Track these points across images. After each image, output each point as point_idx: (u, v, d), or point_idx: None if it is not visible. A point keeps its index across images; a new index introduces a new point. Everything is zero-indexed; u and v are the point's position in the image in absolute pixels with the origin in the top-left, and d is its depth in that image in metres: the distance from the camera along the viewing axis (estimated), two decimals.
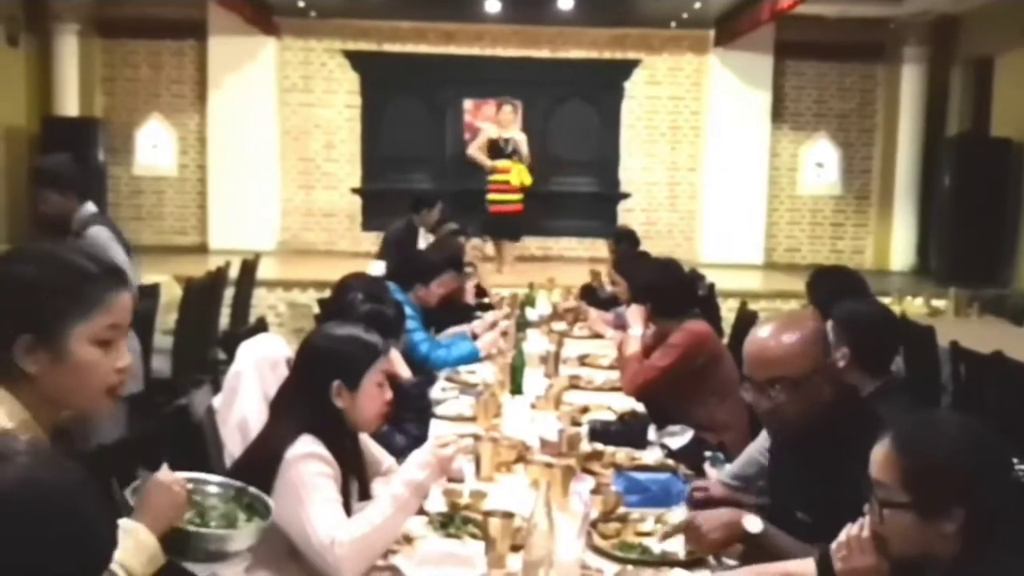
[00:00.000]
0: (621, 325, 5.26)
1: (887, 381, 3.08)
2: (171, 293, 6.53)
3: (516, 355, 4.26)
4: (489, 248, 9.81)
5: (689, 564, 2.36)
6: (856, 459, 1.85)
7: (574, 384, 4.36)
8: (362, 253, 10.06)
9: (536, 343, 4.97)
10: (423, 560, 2.37)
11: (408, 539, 2.45)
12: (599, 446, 3.30)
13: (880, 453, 1.79)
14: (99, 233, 4.37)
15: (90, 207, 4.54)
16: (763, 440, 2.87)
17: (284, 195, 11.68)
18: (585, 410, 3.80)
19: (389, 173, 11.28)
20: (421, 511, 2.53)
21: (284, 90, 11.58)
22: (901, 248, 11.43)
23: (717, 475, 3.15)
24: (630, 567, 2.33)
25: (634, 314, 4.52)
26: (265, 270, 8.53)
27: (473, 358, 4.79)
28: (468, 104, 11.70)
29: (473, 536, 2.47)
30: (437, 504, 2.68)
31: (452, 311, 5.53)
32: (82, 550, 1.14)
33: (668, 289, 4.43)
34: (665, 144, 11.88)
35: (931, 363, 5.05)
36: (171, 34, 11.46)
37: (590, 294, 7.03)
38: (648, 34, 11.59)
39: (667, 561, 2.38)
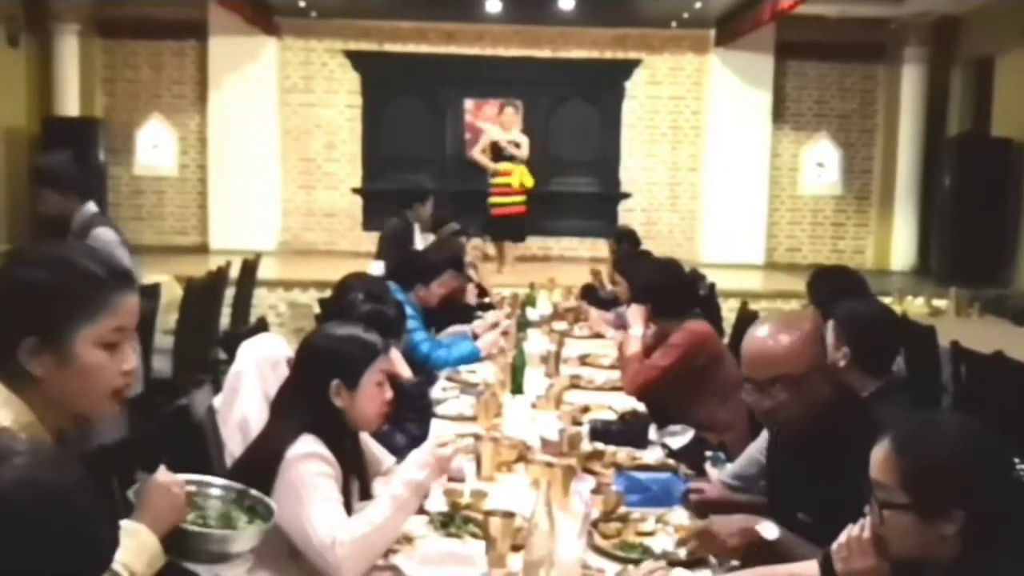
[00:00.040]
0: (622, 325, 5.26)
1: (888, 381, 3.08)
2: (172, 293, 6.54)
3: (517, 355, 4.26)
4: (490, 248, 9.81)
5: (690, 564, 2.36)
6: (856, 460, 1.85)
7: (575, 384, 4.36)
8: (363, 253, 10.04)
9: (537, 343, 4.97)
10: (424, 560, 2.37)
11: (409, 539, 2.45)
12: (600, 446, 3.30)
13: (880, 454, 1.79)
14: (104, 234, 4.33)
15: (91, 207, 4.51)
16: (764, 440, 2.87)
17: (285, 195, 11.69)
18: (586, 410, 3.80)
19: (390, 173, 11.28)
20: (422, 511, 2.53)
21: (285, 90, 11.59)
22: (902, 248, 11.43)
23: (718, 475, 3.15)
24: (631, 567, 2.32)
25: (635, 314, 4.52)
26: (266, 270, 8.54)
27: (474, 358, 4.78)
28: (469, 104, 11.71)
29: (474, 536, 2.47)
30: (438, 504, 2.68)
31: (453, 311, 5.53)
32: (81, 550, 1.14)
33: (669, 289, 4.43)
34: (666, 144, 11.88)
35: (932, 363, 5.05)
36: (172, 34, 11.47)
37: (591, 294, 7.03)
38: (649, 34, 11.59)
39: (668, 561, 2.37)
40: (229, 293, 7.27)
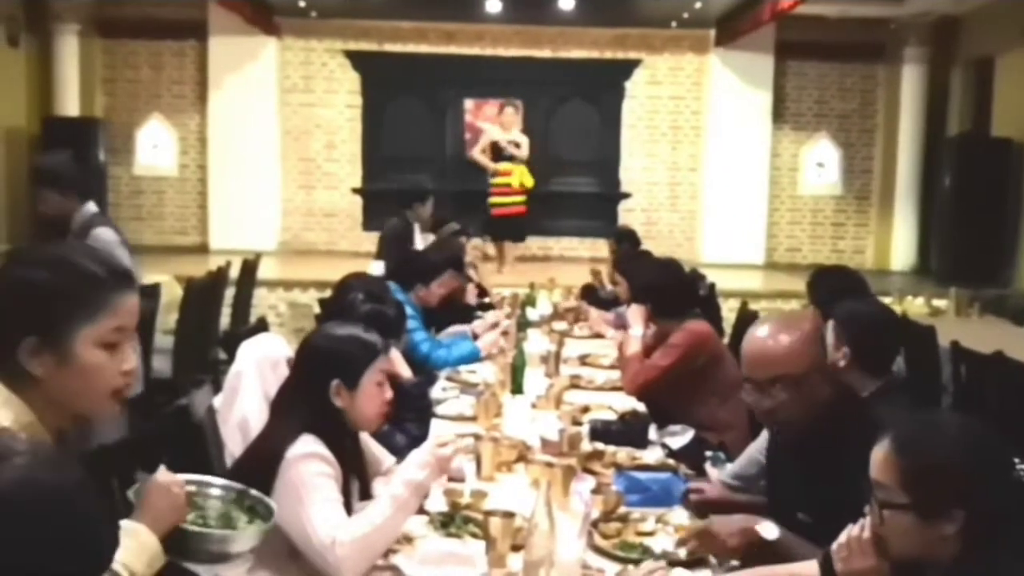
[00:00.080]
0: (622, 325, 5.26)
1: (888, 381, 3.08)
2: (172, 293, 6.54)
3: (517, 355, 4.26)
4: (490, 248, 9.81)
5: (690, 564, 2.36)
6: (856, 460, 1.85)
7: (575, 384, 4.36)
8: (363, 253, 10.04)
9: (537, 343, 4.97)
10: (424, 560, 2.37)
11: (409, 539, 2.45)
12: (600, 446, 3.30)
13: (880, 454, 1.79)
14: (105, 234, 4.32)
15: (91, 207, 4.50)
16: (764, 440, 2.87)
17: (285, 195, 11.69)
18: (586, 410, 3.80)
19: (390, 173, 11.28)
20: (422, 510, 2.53)
21: (285, 90, 11.59)
22: (902, 248, 11.43)
23: (718, 475, 3.15)
24: (631, 567, 2.32)
25: (635, 314, 4.52)
26: (266, 270, 8.54)
27: (474, 358, 4.78)
28: (469, 104, 11.71)
29: (474, 536, 2.47)
30: (438, 504, 2.68)
31: (453, 311, 5.53)
32: (81, 550, 1.13)
33: (669, 289, 4.44)
34: (666, 144, 11.88)
35: (932, 363, 5.05)
36: (172, 34, 11.47)
37: (591, 294, 7.03)
38: (649, 34, 11.59)
39: (668, 561, 2.37)
40: (229, 293, 7.27)
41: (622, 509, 2.68)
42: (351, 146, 11.73)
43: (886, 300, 5.20)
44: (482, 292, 6.92)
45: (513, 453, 3.14)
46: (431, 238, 7.25)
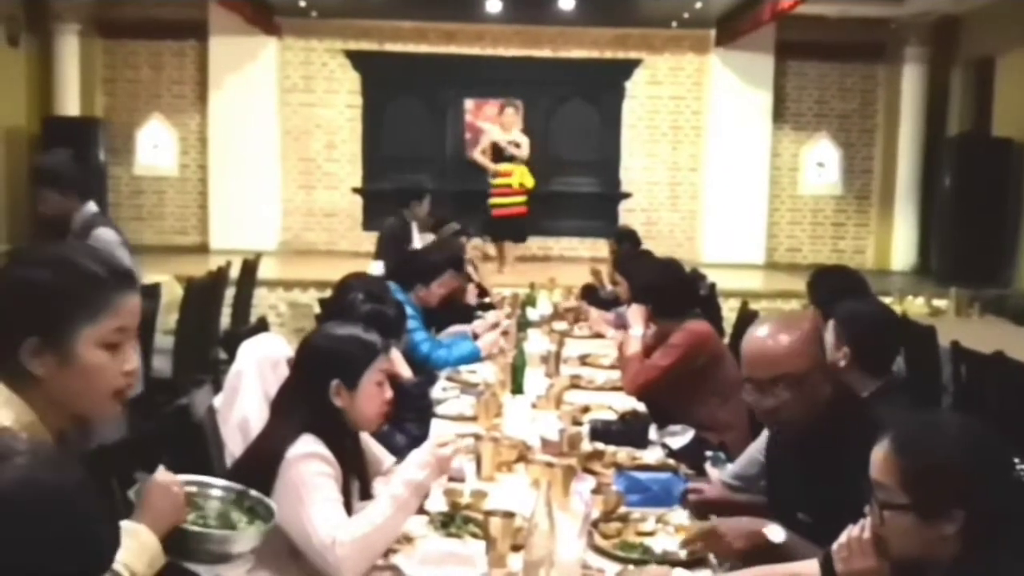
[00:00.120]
0: (622, 325, 5.26)
1: (888, 381, 3.08)
2: (172, 293, 6.54)
3: (517, 355, 4.26)
4: (490, 248, 9.81)
5: (690, 564, 2.36)
6: (856, 460, 1.85)
7: (575, 384, 4.35)
8: (363, 253, 10.03)
9: (537, 343, 4.97)
10: (424, 559, 2.37)
11: (409, 538, 2.45)
12: (600, 446, 3.30)
13: (880, 454, 1.79)
14: (105, 234, 4.31)
15: (91, 207, 4.49)
16: (764, 440, 2.87)
17: (285, 195, 11.69)
18: (586, 410, 3.79)
19: (390, 173, 11.27)
20: (422, 510, 2.53)
21: (285, 90, 11.59)
22: (902, 248, 11.43)
23: (718, 475, 3.15)
24: (631, 567, 2.32)
25: (635, 314, 4.52)
26: (266, 270, 8.54)
27: (474, 358, 4.78)
28: (469, 104, 11.71)
29: (474, 536, 2.47)
30: (438, 503, 2.68)
31: (453, 311, 5.53)
32: (82, 550, 1.13)
33: (669, 289, 4.43)
34: (666, 144, 11.88)
35: (932, 363, 5.05)
36: (172, 34, 11.47)
37: (591, 294, 7.03)
38: (649, 34, 11.59)
39: (668, 561, 2.37)
40: (229, 293, 7.28)
41: (622, 509, 2.68)
42: (351, 146, 11.73)
43: (886, 300, 5.20)
44: (482, 292, 6.92)
45: (513, 453, 3.14)
46: (429, 237, 7.25)
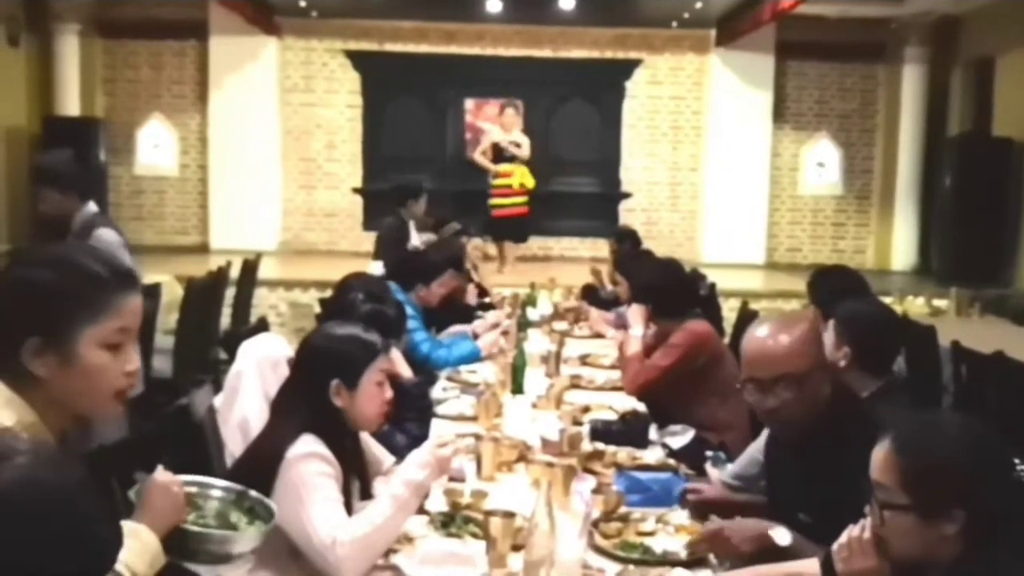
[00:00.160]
0: (622, 325, 5.26)
1: (888, 381, 3.08)
2: (172, 293, 6.54)
3: (517, 355, 4.26)
4: (490, 248, 9.82)
5: (690, 564, 2.36)
6: (856, 460, 1.85)
7: (575, 384, 4.35)
8: (363, 253, 10.02)
9: (537, 343, 4.97)
10: (424, 559, 2.37)
11: (409, 538, 2.45)
12: (600, 446, 3.30)
13: (880, 454, 1.79)
14: (107, 235, 4.29)
15: (91, 207, 4.48)
16: (764, 440, 2.87)
17: (285, 195, 11.69)
18: (586, 409, 3.79)
19: (390, 173, 11.24)
20: (422, 510, 2.53)
21: (285, 90, 11.59)
22: (902, 248, 11.43)
23: (718, 475, 3.15)
24: (631, 567, 2.33)
25: (635, 314, 4.52)
26: (266, 270, 8.54)
27: (474, 358, 4.78)
28: (469, 104, 11.71)
29: (474, 536, 2.47)
30: (438, 503, 2.68)
31: (453, 311, 5.53)
32: (83, 550, 1.13)
33: (669, 289, 4.43)
34: (666, 144, 11.88)
35: (932, 363, 5.05)
36: (172, 34, 11.47)
37: (592, 294, 7.03)
38: (649, 34, 11.59)
39: (668, 561, 2.38)
40: (230, 293, 7.28)
41: (623, 509, 2.68)
42: (351, 146, 11.74)
43: (887, 300, 5.20)
44: (482, 292, 6.92)
45: (514, 453, 3.14)
46: (427, 235, 7.27)
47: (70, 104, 10.67)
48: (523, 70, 11.49)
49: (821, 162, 11.96)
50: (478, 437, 3.24)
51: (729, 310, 7.08)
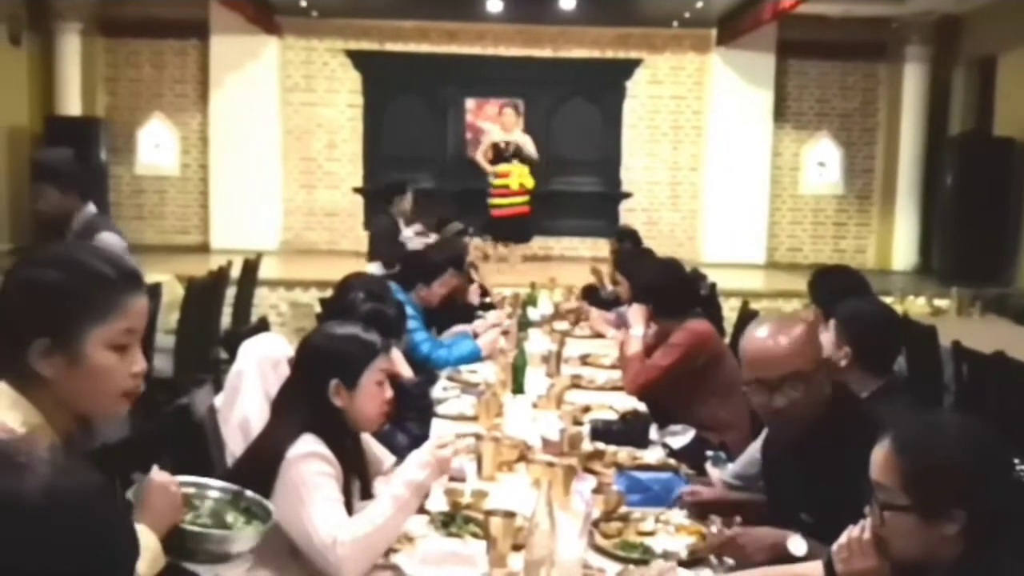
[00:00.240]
0: (623, 325, 5.26)
1: (889, 381, 3.07)
2: (173, 292, 6.53)
3: (518, 354, 4.26)
4: (490, 248, 9.83)
5: (690, 564, 2.36)
6: (856, 460, 1.85)
7: (576, 383, 4.36)
8: (364, 253, 10.02)
9: (538, 342, 4.97)
10: (424, 559, 2.37)
11: (409, 538, 2.45)
12: (601, 445, 3.30)
13: (880, 455, 1.78)
14: (110, 239, 4.24)
15: (91, 208, 4.45)
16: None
17: (286, 194, 11.70)
18: (587, 409, 3.80)
19: (391, 172, 11.19)
20: (422, 510, 2.53)
21: (286, 89, 11.59)
22: (903, 248, 11.43)
23: (719, 475, 3.15)
24: (632, 566, 2.33)
25: (635, 313, 4.52)
26: (267, 269, 8.53)
27: (475, 357, 4.78)
28: (470, 103, 11.72)
29: (475, 535, 2.47)
30: (439, 503, 2.68)
31: (454, 311, 5.53)
32: (103, 557, 1.13)
33: (670, 288, 4.43)
34: (667, 143, 11.87)
35: (933, 363, 5.05)
36: (173, 33, 11.48)
37: (592, 294, 7.03)
38: (650, 33, 11.59)
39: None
40: (230, 292, 7.28)
41: (623, 509, 2.68)
42: (352, 145, 11.74)
43: (887, 300, 5.20)
44: (483, 292, 6.92)
45: (514, 453, 3.14)
46: (417, 227, 7.33)
47: (71, 103, 10.68)
48: (524, 70, 11.49)
49: (822, 161, 11.95)
50: (478, 437, 3.24)
51: (730, 310, 7.08)
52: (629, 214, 11.61)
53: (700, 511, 2.65)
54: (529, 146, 9.82)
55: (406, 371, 3.85)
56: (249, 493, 2.01)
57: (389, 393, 2.54)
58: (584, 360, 4.98)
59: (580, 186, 11.66)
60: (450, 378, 4.42)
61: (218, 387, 3.30)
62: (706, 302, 5.62)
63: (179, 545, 1.77)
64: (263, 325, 4.53)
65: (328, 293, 4.89)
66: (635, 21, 11.39)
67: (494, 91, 11.24)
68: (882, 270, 11.21)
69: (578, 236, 11.59)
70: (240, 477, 2.12)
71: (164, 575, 1.71)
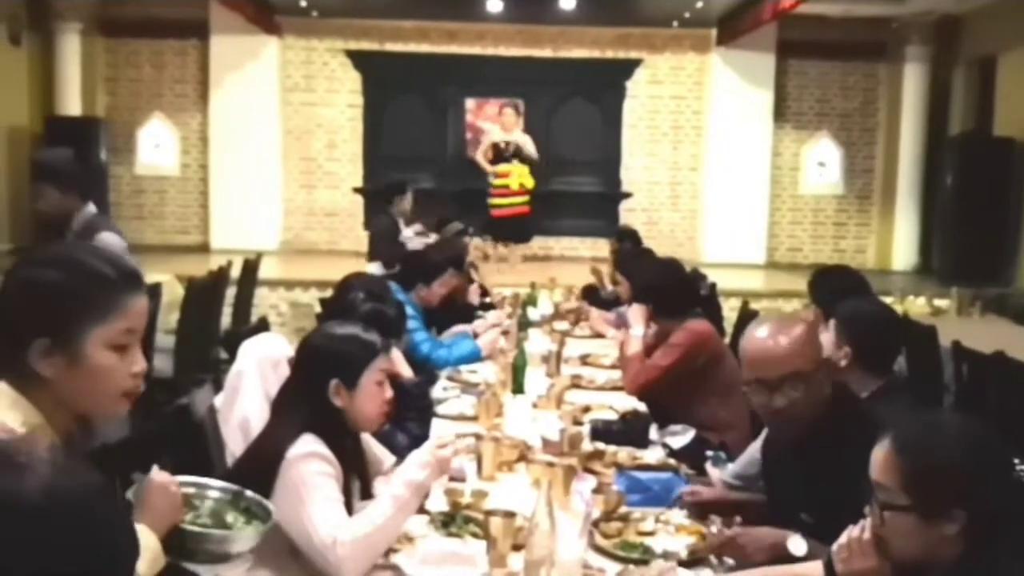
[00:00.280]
0: (623, 324, 5.26)
1: (889, 381, 3.07)
2: (173, 292, 6.53)
3: (518, 354, 4.26)
4: (490, 248, 9.83)
5: (690, 564, 2.36)
6: (856, 460, 1.85)
7: (576, 383, 4.36)
8: (364, 253, 10.03)
9: (538, 342, 4.97)
10: (424, 559, 2.37)
11: (409, 538, 2.45)
12: (601, 445, 3.30)
13: (880, 455, 1.78)
14: (111, 239, 4.24)
15: (91, 208, 4.45)
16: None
17: (286, 194, 11.70)
18: (587, 409, 3.80)
19: (391, 172, 11.20)
20: (422, 510, 2.53)
21: (286, 89, 11.59)
22: (903, 248, 11.43)
23: (719, 475, 3.15)
24: (632, 566, 2.33)
25: (635, 313, 4.52)
26: (267, 269, 8.53)
27: (474, 357, 4.78)
28: (470, 103, 11.72)
29: (475, 535, 2.47)
30: (439, 503, 2.68)
31: (454, 311, 5.53)
32: (103, 557, 1.13)
33: (670, 288, 4.43)
34: (667, 143, 11.87)
35: (933, 363, 5.05)
36: (173, 33, 11.48)
37: (592, 294, 7.03)
38: (650, 33, 11.59)
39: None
40: (230, 292, 7.28)
41: (623, 509, 2.68)
42: (352, 145, 11.74)
43: (887, 300, 5.20)
44: (483, 292, 6.92)
45: (514, 453, 3.14)
46: (417, 227, 7.33)
47: (71, 103, 10.68)
48: (524, 70, 11.49)
49: (822, 161, 11.95)
50: (478, 437, 3.24)
51: (730, 310, 7.08)
52: (629, 214, 11.61)
53: (700, 511, 2.65)
54: (529, 146, 9.82)
55: (406, 371, 3.85)
56: (249, 493, 2.01)
57: (389, 393, 2.54)
58: (584, 360, 4.98)
59: (580, 186, 11.66)
60: (450, 378, 4.42)
61: (218, 387, 3.30)
62: (706, 302, 5.62)
63: (179, 545, 1.77)
64: (263, 325, 4.53)
65: (328, 293, 4.89)
66: (635, 21, 11.39)
67: (494, 91, 11.24)
68: (882, 270, 11.21)
69: (578, 236, 11.59)
70: (240, 477, 2.12)
71: (164, 575, 1.71)
